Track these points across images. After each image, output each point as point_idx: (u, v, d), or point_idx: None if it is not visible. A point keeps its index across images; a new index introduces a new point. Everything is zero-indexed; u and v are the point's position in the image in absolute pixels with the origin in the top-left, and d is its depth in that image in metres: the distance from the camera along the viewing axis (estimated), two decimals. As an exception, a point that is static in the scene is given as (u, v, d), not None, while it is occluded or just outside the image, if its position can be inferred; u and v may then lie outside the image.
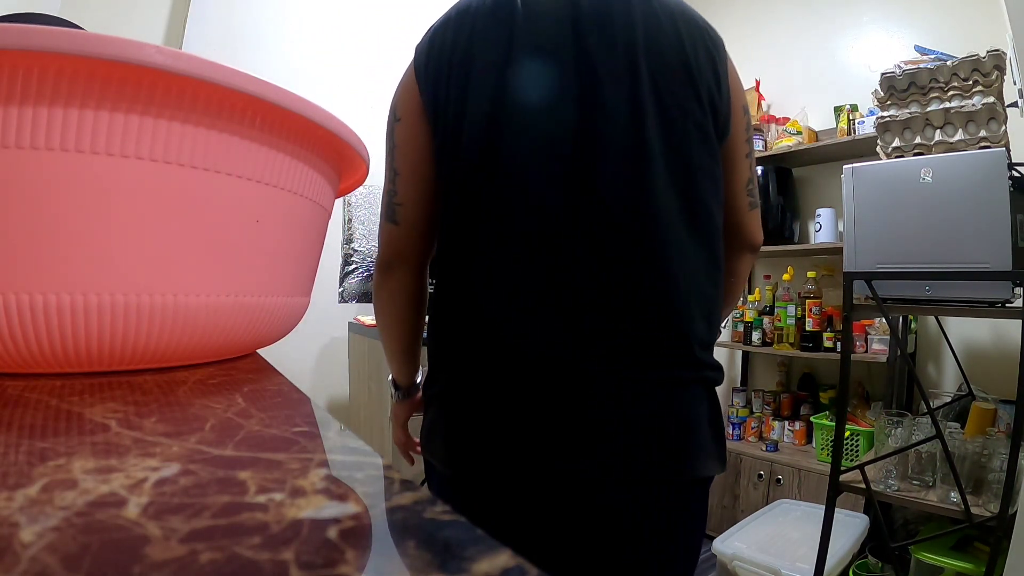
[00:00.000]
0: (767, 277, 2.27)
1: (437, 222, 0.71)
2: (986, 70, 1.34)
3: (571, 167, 0.59)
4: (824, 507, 1.39)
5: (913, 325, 1.92)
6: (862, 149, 1.93)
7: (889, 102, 1.49)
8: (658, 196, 0.59)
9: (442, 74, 0.65)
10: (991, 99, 1.33)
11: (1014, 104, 1.42)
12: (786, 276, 2.10)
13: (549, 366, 0.66)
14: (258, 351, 0.46)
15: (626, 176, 0.59)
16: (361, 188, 1.88)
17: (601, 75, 0.59)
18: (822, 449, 1.93)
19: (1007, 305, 1.24)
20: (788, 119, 2.25)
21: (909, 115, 1.45)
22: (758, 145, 2.26)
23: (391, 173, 0.73)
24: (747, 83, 2.37)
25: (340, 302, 1.98)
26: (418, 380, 0.87)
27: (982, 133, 1.35)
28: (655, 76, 0.60)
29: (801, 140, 2.16)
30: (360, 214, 2.01)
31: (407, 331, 0.78)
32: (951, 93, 1.39)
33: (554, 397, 0.66)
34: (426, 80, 0.66)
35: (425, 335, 0.73)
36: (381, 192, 0.77)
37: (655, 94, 0.60)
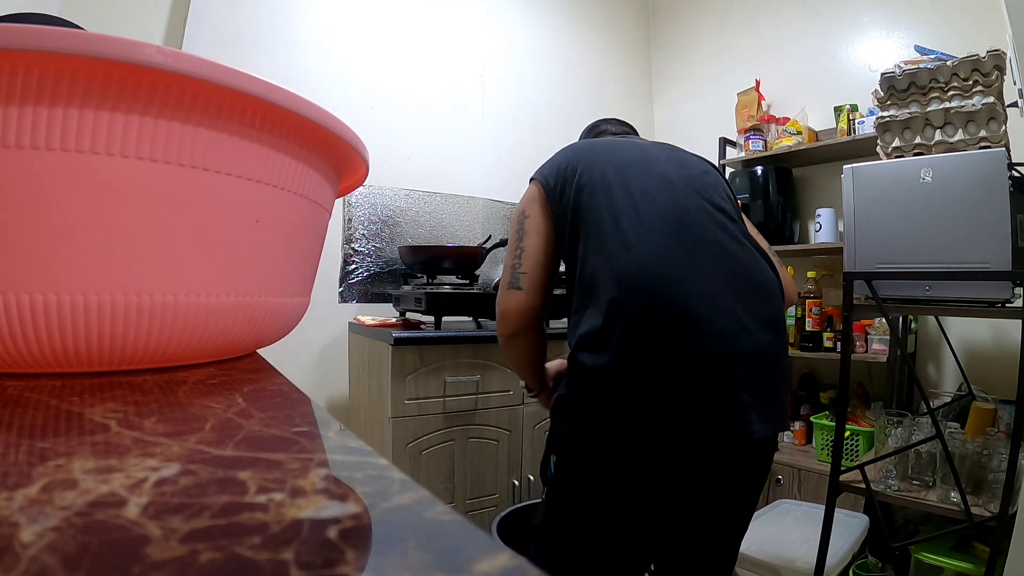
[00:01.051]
0: (767, 277, 2.26)
1: (550, 292, 0.98)
2: (986, 70, 1.34)
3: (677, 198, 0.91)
4: (824, 507, 1.39)
5: (913, 325, 1.92)
6: (862, 149, 1.93)
7: (889, 102, 1.49)
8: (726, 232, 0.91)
9: (561, 177, 0.96)
10: (991, 99, 1.33)
11: (1014, 104, 1.42)
12: (786, 276, 2.10)
13: None
14: (258, 351, 0.46)
15: (704, 207, 0.92)
16: (361, 188, 1.88)
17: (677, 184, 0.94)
18: (822, 449, 1.93)
19: (1007, 305, 1.24)
20: (788, 119, 2.25)
21: (909, 115, 1.45)
22: (758, 145, 2.26)
23: (517, 251, 0.98)
24: (747, 83, 2.37)
25: (340, 302, 1.98)
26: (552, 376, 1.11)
27: (982, 133, 1.35)
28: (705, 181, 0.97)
29: (801, 140, 2.16)
30: (360, 214, 2.01)
31: (537, 369, 1.05)
32: (951, 93, 1.39)
33: None
34: (553, 189, 0.96)
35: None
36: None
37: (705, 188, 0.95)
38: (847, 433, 1.71)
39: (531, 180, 1.02)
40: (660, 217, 0.87)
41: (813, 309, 2.00)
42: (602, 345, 0.81)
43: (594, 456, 0.85)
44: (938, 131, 1.42)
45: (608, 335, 0.81)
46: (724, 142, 2.43)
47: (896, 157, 1.47)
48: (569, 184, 0.94)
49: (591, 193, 0.91)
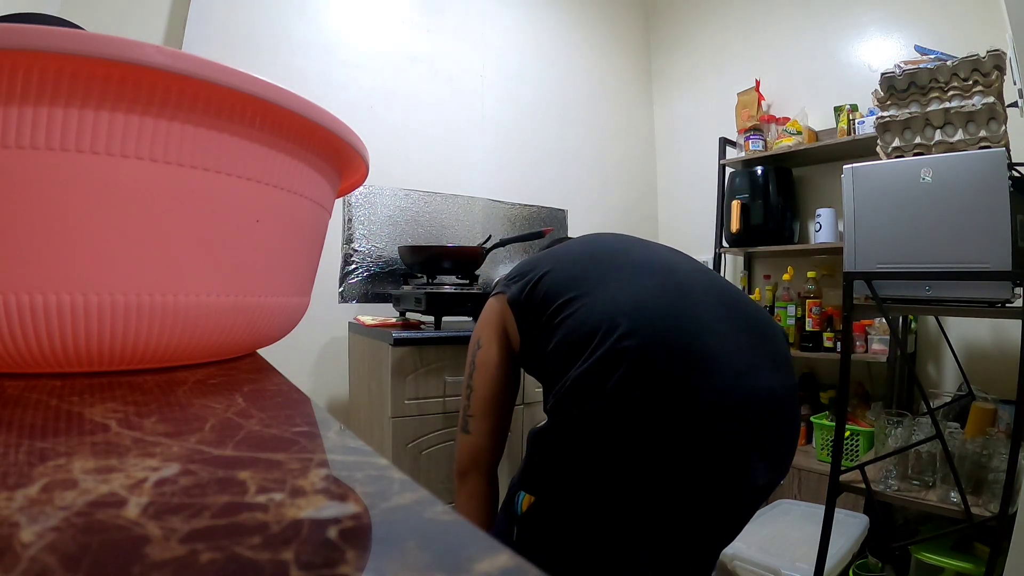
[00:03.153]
0: (767, 277, 2.27)
1: (502, 433, 0.96)
2: (986, 70, 1.34)
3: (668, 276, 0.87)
4: (824, 507, 1.39)
5: (913, 325, 1.92)
6: (862, 149, 1.93)
7: (889, 102, 1.49)
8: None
9: (524, 273, 0.94)
10: (991, 99, 1.33)
11: (1014, 104, 1.42)
12: (786, 276, 2.10)
13: None
14: (258, 351, 0.46)
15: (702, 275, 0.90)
16: (361, 188, 1.88)
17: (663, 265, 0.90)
18: (822, 449, 1.93)
19: (1007, 305, 1.24)
20: (788, 119, 2.25)
21: (909, 115, 1.45)
22: (758, 145, 2.26)
23: (467, 390, 0.96)
24: (747, 83, 2.37)
25: (340, 302, 1.98)
26: None
27: (982, 133, 1.35)
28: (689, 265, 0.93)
29: (801, 140, 2.16)
30: (360, 214, 2.01)
31: (488, 520, 0.96)
32: (951, 93, 1.39)
33: None
34: (513, 286, 0.94)
35: None
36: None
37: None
38: (847, 433, 1.71)
39: (489, 298, 1.00)
40: (644, 263, 0.87)
41: (813, 309, 2.00)
42: (600, 382, 0.75)
43: (584, 496, 0.78)
44: (938, 131, 1.42)
45: (607, 372, 0.75)
46: (724, 142, 2.43)
47: (896, 157, 1.47)
48: (536, 273, 0.92)
49: (563, 268, 0.90)
